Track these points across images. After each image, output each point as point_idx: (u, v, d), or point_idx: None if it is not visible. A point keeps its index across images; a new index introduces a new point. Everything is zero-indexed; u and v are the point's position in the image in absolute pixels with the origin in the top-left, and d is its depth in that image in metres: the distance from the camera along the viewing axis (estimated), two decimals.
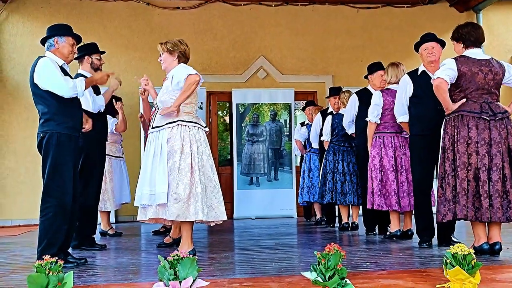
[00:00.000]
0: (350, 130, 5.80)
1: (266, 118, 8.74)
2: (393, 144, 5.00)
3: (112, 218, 7.35)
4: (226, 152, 9.22)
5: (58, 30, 3.89)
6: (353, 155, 6.02)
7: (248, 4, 8.92)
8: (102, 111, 4.80)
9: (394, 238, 4.99)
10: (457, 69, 3.86)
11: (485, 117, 3.78)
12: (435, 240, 4.45)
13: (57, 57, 3.83)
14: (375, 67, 5.55)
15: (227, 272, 3.38)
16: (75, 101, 3.86)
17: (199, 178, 3.94)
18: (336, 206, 6.53)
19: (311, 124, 6.99)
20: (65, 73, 3.81)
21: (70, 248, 4.03)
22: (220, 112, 9.26)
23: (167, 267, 2.40)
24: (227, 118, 9.24)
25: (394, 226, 5.04)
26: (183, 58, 4.25)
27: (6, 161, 8.19)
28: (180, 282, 2.36)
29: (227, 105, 9.07)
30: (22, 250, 4.92)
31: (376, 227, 5.53)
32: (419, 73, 4.57)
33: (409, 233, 4.96)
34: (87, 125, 4.27)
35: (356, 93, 5.70)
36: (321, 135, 6.52)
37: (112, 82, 4.92)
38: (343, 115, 5.91)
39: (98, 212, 5.22)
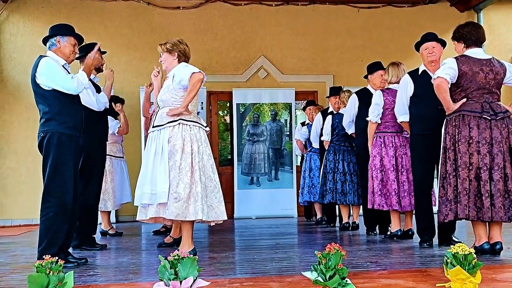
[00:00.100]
0: (350, 130, 5.79)
1: (267, 118, 8.74)
2: (393, 143, 4.99)
3: (113, 218, 7.36)
4: (227, 152, 9.22)
5: (60, 30, 3.90)
6: (354, 154, 6.01)
7: (249, 3, 8.92)
8: (108, 107, 4.85)
9: (395, 238, 4.99)
10: (458, 68, 3.86)
11: (486, 117, 3.78)
12: (435, 240, 4.45)
13: (58, 57, 3.83)
14: (375, 67, 5.55)
15: (228, 272, 3.37)
16: (76, 100, 3.86)
17: (199, 177, 3.94)
18: (337, 206, 6.53)
19: (312, 124, 6.99)
20: (67, 72, 3.81)
21: (71, 247, 4.03)
22: (220, 112, 9.26)
23: (167, 267, 2.40)
24: (227, 118, 9.24)
25: (394, 226, 5.04)
26: (183, 57, 4.25)
27: (7, 161, 8.19)
28: (181, 282, 2.36)
29: (228, 104, 9.07)
30: (23, 250, 4.92)
31: (377, 227, 5.53)
32: (419, 72, 4.57)
33: (410, 232, 4.96)
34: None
35: (356, 93, 5.70)
36: (321, 135, 6.52)
37: (106, 74, 5.01)
38: (343, 114, 5.91)
39: (99, 211, 5.23)
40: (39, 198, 3.70)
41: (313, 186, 6.89)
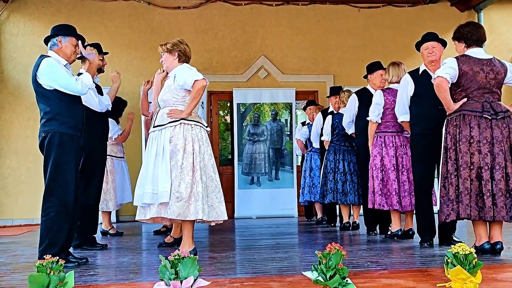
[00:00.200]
0: (350, 130, 5.79)
1: (267, 117, 8.74)
2: (394, 143, 4.99)
3: (113, 218, 7.36)
4: (227, 152, 9.23)
5: (62, 30, 3.90)
6: (354, 154, 6.01)
7: (249, 3, 8.92)
8: (110, 109, 4.85)
9: (395, 238, 4.99)
10: (458, 68, 3.86)
11: (487, 116, 3.78)
12: (436, 240, 4.45)
13: (60, 57, 3.83)
14: (374, 67, 5.55)
15: (228, 272, 3.37)
16: (77, 100, 3.86)
17: (200, 177, 3.94)
18: (337, 206, 6.53)
19: (312, 124, 6.98)
20: (71, 74, 3.81)
21: (71, 247, 4.03)
22: (221, 112, 9.26)
23: (168, 267, 2.40)
24: (228, 118, 9.24)
25: (395, 226, 5.04)
26: (184, 57, 4.25)
27: (7, 160, 8.20)
28: (181, 282, 2.36)
29: (228, 104, 9.07)
30: (23, 250, 4.92)
31: (377, 226, 5.53)
32: (420, 72, 4.57)
33: (410, 232, 4.96)
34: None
35: (356, 93, 5.69)
36: (321, 134, 6.52)
37: (112, 77, 5.00)
38: (343, 114, 5.91)
39: (99, 211, 5.23)
40: (40, 198, 3.70)
41: (313, 186, 6.89)
